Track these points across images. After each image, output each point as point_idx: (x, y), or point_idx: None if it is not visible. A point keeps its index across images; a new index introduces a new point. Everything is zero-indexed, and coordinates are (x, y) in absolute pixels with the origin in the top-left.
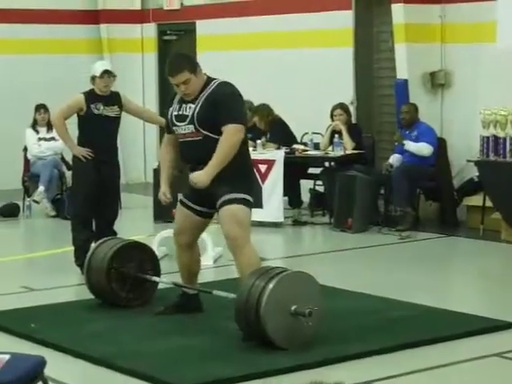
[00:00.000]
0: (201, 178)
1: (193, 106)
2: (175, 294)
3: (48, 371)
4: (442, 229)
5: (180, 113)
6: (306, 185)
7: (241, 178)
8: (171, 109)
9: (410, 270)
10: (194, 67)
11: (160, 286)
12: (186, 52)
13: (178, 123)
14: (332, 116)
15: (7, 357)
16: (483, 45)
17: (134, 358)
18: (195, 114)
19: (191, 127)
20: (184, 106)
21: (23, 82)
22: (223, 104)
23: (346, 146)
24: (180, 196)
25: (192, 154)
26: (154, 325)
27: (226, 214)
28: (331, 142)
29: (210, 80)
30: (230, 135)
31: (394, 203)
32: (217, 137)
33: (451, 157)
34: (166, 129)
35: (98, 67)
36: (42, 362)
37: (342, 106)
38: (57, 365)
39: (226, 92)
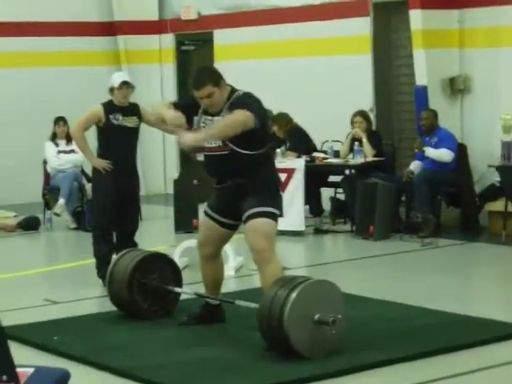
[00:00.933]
0: (187, 138)
1: (219, 118)
2: (197, 305)
3: None
4: (463, 235)
5: (207, 125)
6: (326, 193)
7: (267, 191)
8: (196, 118)
9: (432, 276)
10: (217, 80)
11: (182, 296)
12: (205, 62)
13: None
14: (352, 123)
15: (32, 370)
16: (502, 49)
17: (156, 370)
18: None
19: (218, 141)
20: (209, 118)
21: (42, 95)
22: (239, 102)
23: (366, 154)
24: (204, 207)
25: (218, 169)
26: (177, 336)
27: (253, 227)
28: (351, 150)
29: (233, 91)
30: (236, 115)
31: (415, 210)
32: (244, 151)
33: (472, 162)
34: (174, 104)
35: (117, 78)
36: (66, 375)
37: (362, 114)
38: (80, 377)
39: (244, 96)
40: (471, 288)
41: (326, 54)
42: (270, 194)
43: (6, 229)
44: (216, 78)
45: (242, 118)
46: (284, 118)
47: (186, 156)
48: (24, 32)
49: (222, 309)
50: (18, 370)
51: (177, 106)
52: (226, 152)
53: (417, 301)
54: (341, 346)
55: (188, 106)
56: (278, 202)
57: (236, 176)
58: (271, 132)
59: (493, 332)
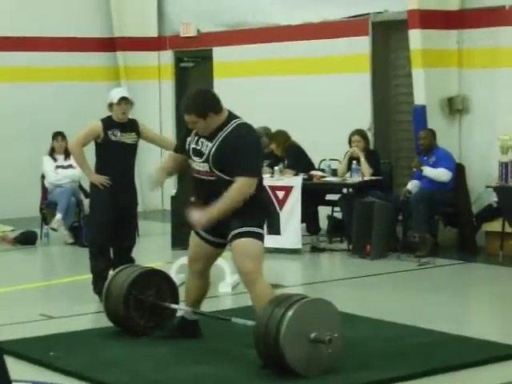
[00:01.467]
0: (200, 219)
1: (210, 144)
2: (176, 320)
3: None
4: (460, 255)
5: (197, 148)
6: (323, 211)
7: (254, 213)
8: (189, 139)
9: (429, 296)
10: (203, 111)
11: (179, 313)
12: (204, 79)
13: (194, 157)
14: (350, 142)
15: None
16: (501, 70)
17: None
18: (211, 155)
19: (206, 166)
20: (201, 140)
21: (41, 110)
22: (238, 152)
23: (364, 173)
24: None
25: (204, 192)
26: (173, 353)
27: (238, 247)
28: (349, 169)
29: (230, 119)
30: (241, 188)
31: (412, 229)
32: (230, 178)
33: (470, 182)
34: (175, 148)
35: (116, 94)
36: None
37: (359, 133)
38: None
39: (243, 139)
40: (467, 308)
41: (325, 72)
42: (257, 215)
43: (5, 240)
44: (202, 109)
45: (247, 190)
46: (282, 136)
47: (183, 173)
48: (24, 47)
49: (198, 325)
50: None
51: (176, 150)
52: (214, 178)
53: (413, 320)
54: (337, 365)
55: (183, 142)
56: (263, 223)
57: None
58: (268, 149)
59: (488, 353)
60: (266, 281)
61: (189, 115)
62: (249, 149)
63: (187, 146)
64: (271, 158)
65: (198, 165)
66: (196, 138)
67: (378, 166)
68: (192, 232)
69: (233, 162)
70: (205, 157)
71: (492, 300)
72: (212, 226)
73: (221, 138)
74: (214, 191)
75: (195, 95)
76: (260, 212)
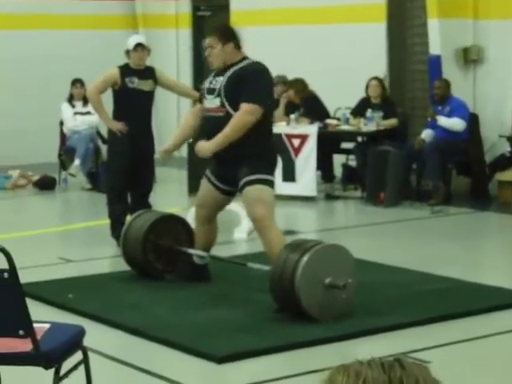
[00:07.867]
0: (204, 148)
1: (222, 78)
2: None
3: (85, 341)
4: (473, 203)
5: (211, 86)
6: (338, 159)
7: (263, 159)
8: (206, 81)
9: (441, 244)
10: (225, 38)
11: (194, 258)
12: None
13: (207, 95)
14: (367, 87)
15: (47, 326)
16: None
17: (168, 329)
18: (222, 87)
19: (217, 101)
20: (216, 79)
21: (60, 57)
22: (246, 80)
23: (390, 122)
24: (206, 170)
25: (211, 130)
26: (189, 297)
27: (250, 195)
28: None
29: (244, 58)
30: (243, 115)
31: (425, 178)
32: None
33: (483, 132)
34: (199, 99)
35: (132, 41)
36: (81, 332)
37: (378, 78)
38: (93, 334)
39: (254, 70)
40: (479, 256)
41: (342, 21)
42: (266, 161)
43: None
44: (224, 36)
45: (249, 117)
46: (301, 84)
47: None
48: None
49: (208, 269)
50: (35, 325)
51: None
52: (222, 114)
53: (426, 267)
54: (350, 310)
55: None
56: (273, 169)
57: None
58: (285, 97)
59: (501, 299)
60: (278, 227)
61: (211, 37)
62: (258, 77)
63: (202, 90)
64: (288, 106)
65: (210, 102)
66: (211, 79)
67: (395, 114)
68: (203, 178)
69: (241, 88)
70: (216, 91)
71: (503, 248)
72: (222, 173)
73: (233, 71)
74: (221, 129)
75: (222, 23)
76: (269, 159)
